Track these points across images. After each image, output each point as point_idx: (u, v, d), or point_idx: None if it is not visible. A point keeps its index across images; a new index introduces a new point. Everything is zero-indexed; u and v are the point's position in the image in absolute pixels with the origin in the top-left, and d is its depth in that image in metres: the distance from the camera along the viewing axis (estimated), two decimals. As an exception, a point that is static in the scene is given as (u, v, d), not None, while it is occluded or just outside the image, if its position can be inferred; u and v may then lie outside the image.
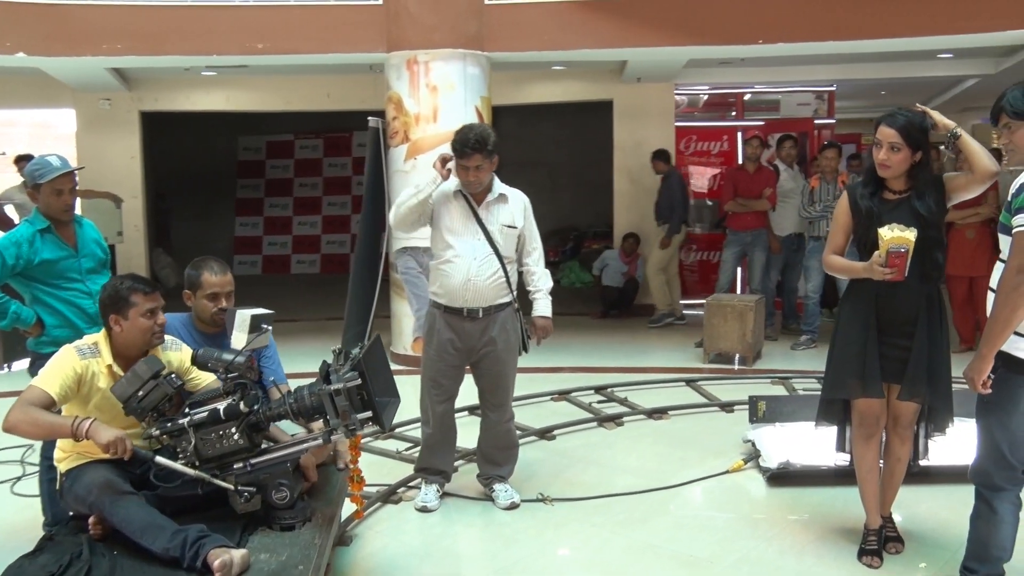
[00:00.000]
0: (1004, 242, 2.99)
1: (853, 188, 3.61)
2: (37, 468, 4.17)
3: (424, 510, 4.31)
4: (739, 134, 10.43)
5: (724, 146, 10.52)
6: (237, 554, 2.80)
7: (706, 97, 11.09)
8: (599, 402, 6.26)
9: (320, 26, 7.14)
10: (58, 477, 3.35)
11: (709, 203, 10.90)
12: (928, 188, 3.46)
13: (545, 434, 5.51)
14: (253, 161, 14.83)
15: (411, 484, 4.61)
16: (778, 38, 6.96)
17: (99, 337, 3.30)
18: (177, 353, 3.41)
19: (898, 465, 3.73)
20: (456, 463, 4.73)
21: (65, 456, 3.28)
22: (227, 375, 3.16)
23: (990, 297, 3.05)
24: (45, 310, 3.85)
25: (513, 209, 4.29)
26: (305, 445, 3.17)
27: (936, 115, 3.45)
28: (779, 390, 6.44)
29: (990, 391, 2.97)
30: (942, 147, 3.29)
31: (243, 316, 3.29)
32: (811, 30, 6.85)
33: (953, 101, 12.12)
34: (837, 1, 6.72)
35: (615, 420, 5.83)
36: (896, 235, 3.25)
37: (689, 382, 6.77)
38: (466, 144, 4.06)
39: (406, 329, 7.53)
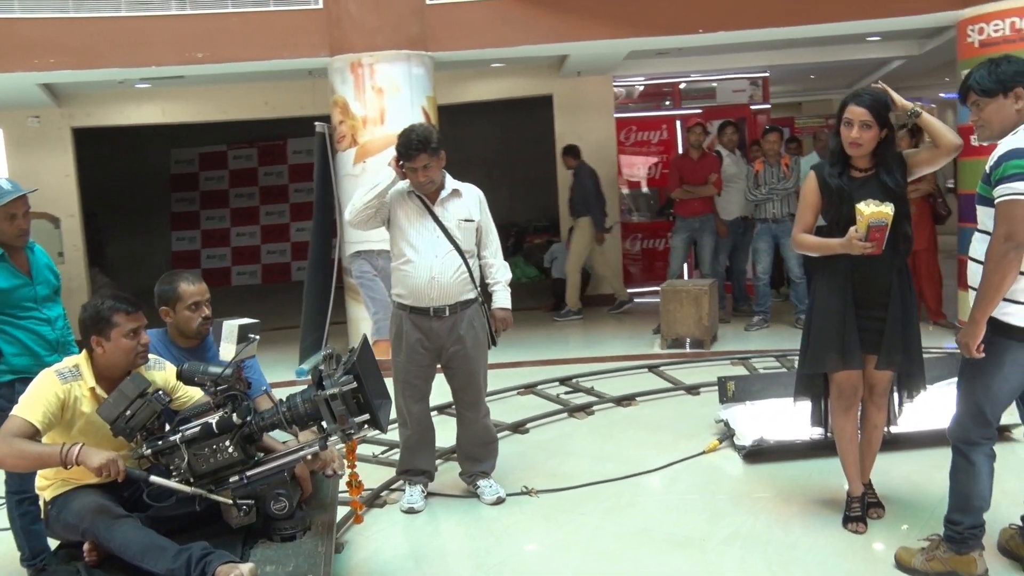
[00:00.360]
0: (983, 212, 3.11)
1: (820, 168, 3.71)
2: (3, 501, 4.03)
3: (411, 511, 4.30)
4: (678, 123, 10.60)
5: (664, 135, 10.68)
6: (246, 568, 2.76)
7: (642, 88, 11.23)
8: (566, 393, 6.31)
9: (261, 33, 7.04)
10: (42, 506, 3.26)
11: (647, 191, 11.06)
12: (894, 163, 3.58)
13: (518, 428, 5.53)
14: (186, 174, 14.55)
15: (393, 487, 4.59)
16: (718, 27, 7.09)
17: (80, 359, 3.21)
18: (162, 372, 3.34)
19: (875, 432, 3.86)
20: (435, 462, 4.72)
21: (49, 484, 3.19)
22: (216, 388, 3.11)
23: (971, 267, 3.18)
24: (3, 339, 3.70)
25: (468, 203, 4.31)
26: (302, 453, 3.13)
27: (895, 95, 3.56)
28: (740, 371, 6.57)
29: (983, 355, 3.08)
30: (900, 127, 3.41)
31: (231, 326, 3.24)
32: (750, 17, 7.00)
33: (878, 82, 12.49)
34: (773, -13, 6.89)
35: (585, 410, 5.88)
36: (875, 210, 3.35)
37: (651, 368, 6.87)
38: (410, 146, 4.06)
39: (363, 333, 7.45)
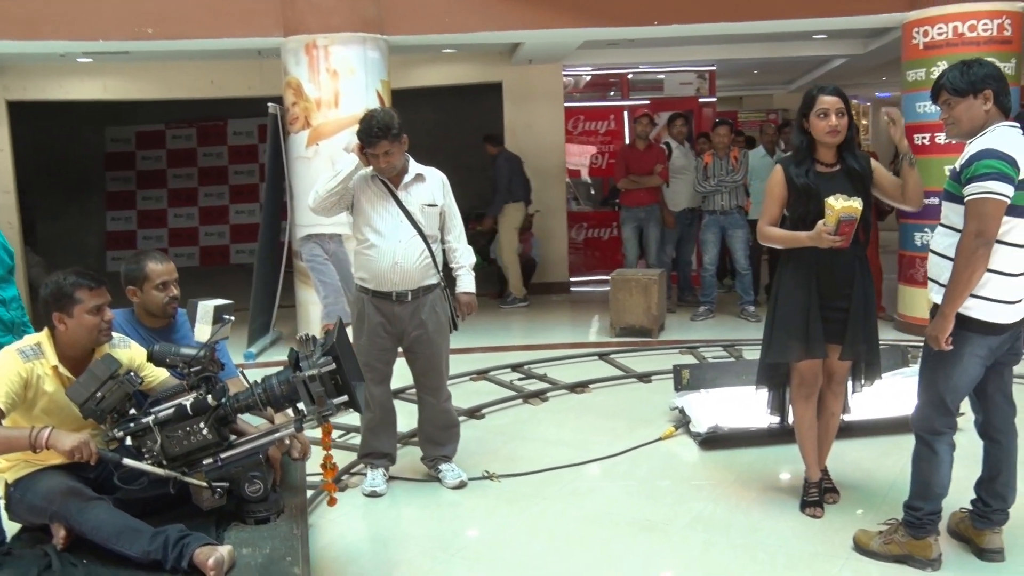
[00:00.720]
0: (949, 208, 3.22)
1: (786, 163, 3.80)
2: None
3: (373, 495, 4.29)
4: (625, 113, 10.70)
5: (611, 125, 10.78)
6: (224, 551, 2.73)
7: (589, 78, 11.31)
8: (518, 379, 6.35)
9: (213, 10, 6.88)
10: (1, 489, 3.17)
11: (589, 181, 11.15)
12: (856, 157, 3.69)
13: (474, 413, 5.56)
14: (122, 153, 14.15)
15: (354, 471, 4.57)
16: (672, 19, 7.17)
17: (42, 337, 3.13)
18: (127, 351, 3.27)
19: (832, 419, 3.98)
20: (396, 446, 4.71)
21: (10, 466, 3.11)
22: (190, 369, 3.07)
23: (932, 259, 3.29)
24: None
25: (432, 187, 4.30)
26: (278, 435, 3.11)
27: (900, 134, 3.63)
28: (689, 359, 6.69)
29: (951, 347, 3.20)
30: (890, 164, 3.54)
31: (206, 307, 3.20)
32: (704, 11, 7.10)
33: (819, 79, 12.77)
34: (730, -17, 7.00)
35: (539, 396, 5.93)
36: (845, 204, 3.44)
37: (601, 356, 6.95)
38: (371, 133, 4.04)
39: (313, 317, 7.40)
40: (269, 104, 7.03)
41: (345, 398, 2.93)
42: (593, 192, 11.32)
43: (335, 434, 5.15)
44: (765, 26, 7.47)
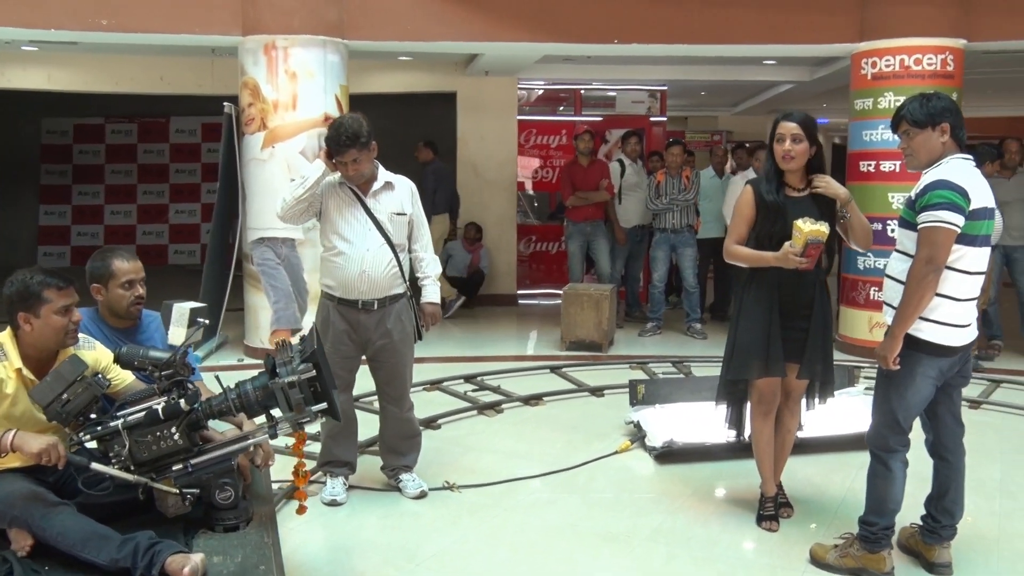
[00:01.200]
0: (904, 235, 3.35)
1: (756, 183, 3.90)
2: None
3: (333, 503, 4.25)
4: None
5: (563, 140, 10.87)
6: (197, 558, 2.69)
7: (540, 92, 11.41)
8: (472, 391, 6.36)
9: (171, 5, 6.76)
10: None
11: (533, 194, 11.22)
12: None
13: (430, 424, 5.54)
14: (58, 145, 13.75)
15: (312, 479, 4.52)
16: (632, 38, 7.29)
17: (4, 337, 3.03)
18: (92, 352, 3.19)
19: (788, 436, 4.08)
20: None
21: (-35, 469, 3.01)
22: (160, 373, 3.01)
23: (887, 284, 3.42)
24: None
25: (400, 196, 4.29)
26: (250, 441, 3.07)
27: (835, 186, 3.75)
28: (639, 374, 6.78)
29: (899, 367, 3.31)
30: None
31: (181, 310, 3.15)
32: (663, 32, 7.22)
33: (764, 104, 13.12)
34: (691, 6, 7.12)
35: (494, 407, 5.95)
36: (812, 227, 3.54)
37: (553, 369, 7.01)
38: (339, 141, 4.03)
39: (263, 322, 7.30)
40: (225, 104, 6.93)
41: (324, 405, 2.91)
42: (537, 205, 11.38)
43: (287, 443, 5.08)
44: (721, 50, 7.64)
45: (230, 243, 7.82)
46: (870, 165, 7.14)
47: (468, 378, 6.62)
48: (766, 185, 3.83)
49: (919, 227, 3.23)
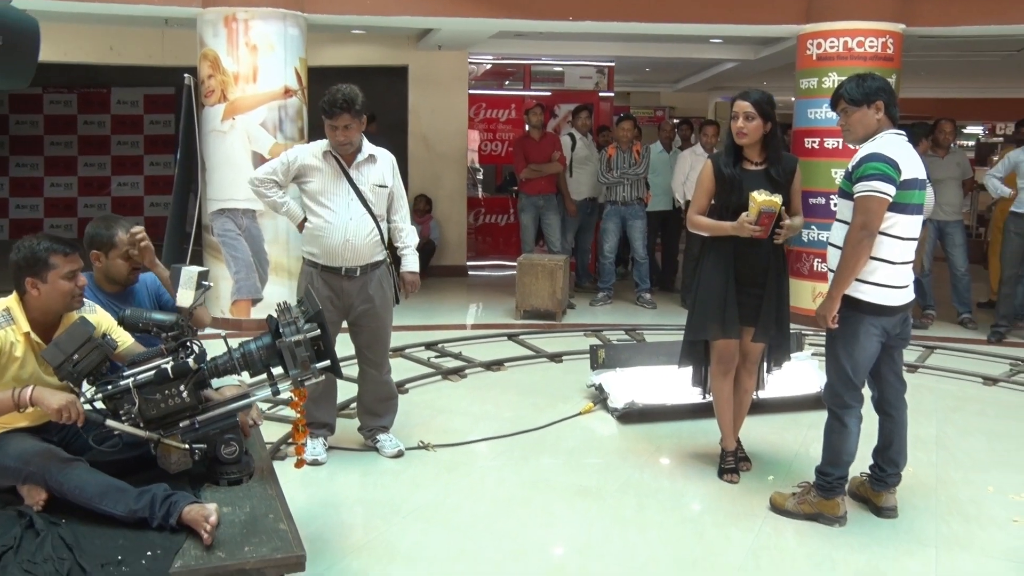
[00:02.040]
0: (844, 205, 3.65)
1: (716, 157, 4.15)
2: None
3: (315, 463, 4.41)
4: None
5: (512, 114, 11.04)
6: (212, 507, 2.83)
7: (489, 67, 11.54)
8: (434, 357, 6.54)
9: (130, -26, 6.73)
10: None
11: (480, 168, 11.37)
12: (780, 158, 4.06)
13: (398, 388, 5.68)
14: (-7, 115, 13.41)
15: (291, 441, 4.66)
16: (586, 16, 7.49)
17: (11, 302, 3.12)
18: (94, 316, 3.30)
19: (746, 396, 4.37)
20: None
21: (-26, 429, 3.10)
22: (168, 334, 3.13)
23: (831, 251, 3.70)
24: None
25: (383, 168, 4.45)
26: (254, 398, 3.22)
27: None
28: (594, 341, 7.02)
29: (837, 326, 3.61)
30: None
31: (190, 273, 3.26)
32: (618, 10, 7.43)
33: (707, 81, 13.46)
34: (645, -16, 7.37)
35: (458, 373, 6.15)
36: (766, 198, 3.82)
37: (510, 336, 7.22)
38: (334, 104, 4.18)
39: (224, 292, 7.35)
40: (185, 75, 6.93)
41: (327, 363, 3.07)
42: (481, 178, 11.52)
43: (265, 407, 5.22)
44: (672, 28, 7.88)
45: (190, 214, 7.83)
46: (814, 142, 7.48)
47: (429, 345, 6.81)
48: (724, 158, 4.09)
49: (855, 196, 3.51)
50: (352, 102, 4.17)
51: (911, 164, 3.56)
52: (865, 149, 3.58)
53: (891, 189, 3.46)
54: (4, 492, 3.07)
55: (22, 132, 13.48)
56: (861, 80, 3.65)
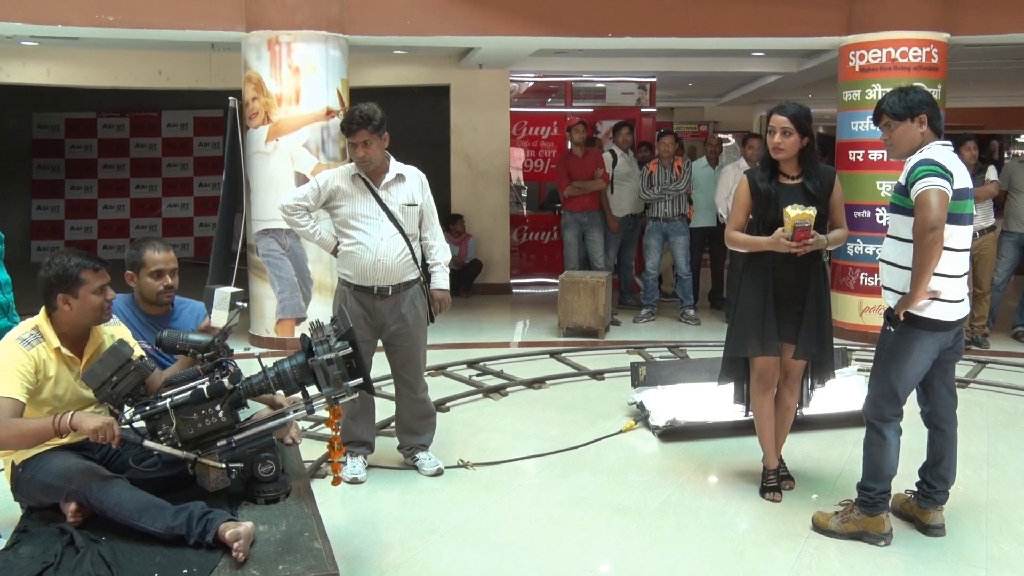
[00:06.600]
0: (896, 220, 3.57)
1: (752, 173, 4.10)
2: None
3: (354, 482, 4.43)
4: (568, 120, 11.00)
5: (554, 131, 11.06)
6: (247, 526, 2.86)
7: (531, 84, 11.58)
8: (476, 375, 6.54)
9: (176, 1, 6.89)
10: (8, 470, 3.23)
11: (524, 185, 11.38)
12: (816, 172, 4.00)
13: (439, 406, 5.69)
14: (50, 140, 13.79)
15: (329, 460, 4.68)
16: (626, 32, 7.48)
17: (39, 320, 3.20)
18: (118, 327, 3.38)
19: (788, 413, 4.29)
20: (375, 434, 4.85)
21: (17, 445, 3.16)
22: (203, 355, 3.18)
23: (884, 268, 3.63)
24: None
25: (412, 187, 4.48)
26: (289, 417, 3.25)
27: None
28: (636, 359, 6.97)
29: (892, 341, 3.53)
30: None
31: (223, 294, 3.31)
32: (656, 26, 7.42)
33: (750, 94, 13.36)
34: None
35: (499, 391, 6.14)
36: (800, 212, 3.76)
37: (553, 354, 7.20)
38: (352, 121, 4.25)
39: (268, 311, 7.45)
40: (230, 98, 7.06)
41: (360, 380, 3.09)
42: (525, 195, 11.54)
43: (305, 425, 5.25)
44: (712, 42, 7.84)
45: (235, 235, 7.95)
46: (858, 154, 7.36)
47: (471, 363, 6.81)
48: (760, 173, 4.04)
49: (914, 197, 3.41)
50: (370, 119, 4.21)
51: (961, 174, 3.50)
52: (914, 159, 3.52)
53: (948, 185, 3.39)
54: (46, 509, 3.14)
55: (77, 156, 13.87)
56: (903, 94, 3.59)
